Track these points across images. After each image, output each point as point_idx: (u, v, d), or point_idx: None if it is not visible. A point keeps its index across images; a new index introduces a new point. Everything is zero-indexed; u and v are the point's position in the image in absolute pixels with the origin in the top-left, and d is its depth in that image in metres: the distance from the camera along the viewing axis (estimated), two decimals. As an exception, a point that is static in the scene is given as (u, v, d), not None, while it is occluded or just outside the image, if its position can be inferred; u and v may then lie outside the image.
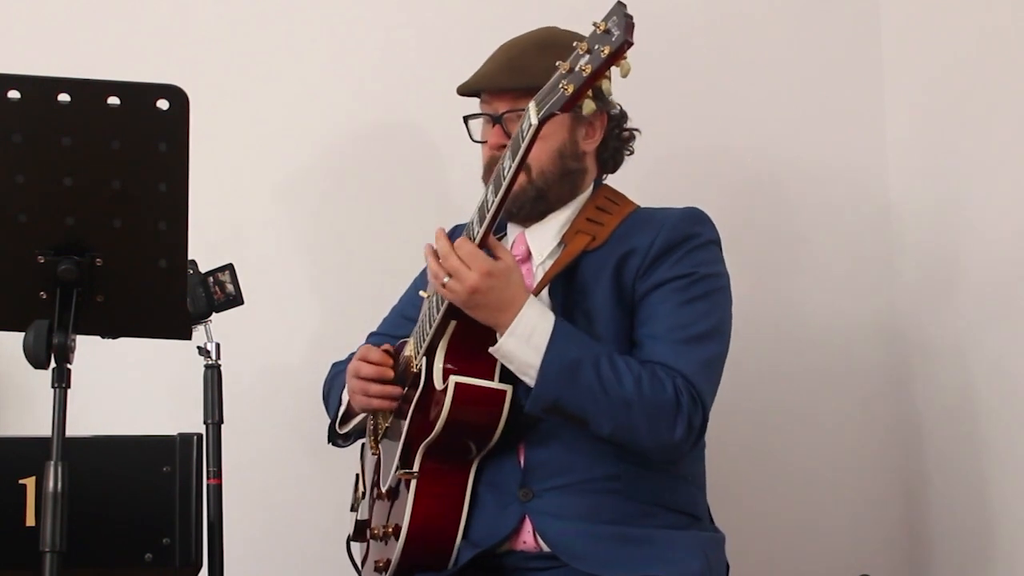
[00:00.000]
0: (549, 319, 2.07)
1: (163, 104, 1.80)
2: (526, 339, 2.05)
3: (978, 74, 2.63)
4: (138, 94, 1.80)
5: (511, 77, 2.23)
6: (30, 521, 2.07)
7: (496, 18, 2.90)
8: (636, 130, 2.34)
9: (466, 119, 2.32)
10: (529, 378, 2.06)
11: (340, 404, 2.40)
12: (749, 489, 2.86)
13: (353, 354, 2.51)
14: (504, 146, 2.18)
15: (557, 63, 1.91)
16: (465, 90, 2.30)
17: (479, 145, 2.32)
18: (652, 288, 2.16)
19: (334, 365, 2.54)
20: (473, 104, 2.32)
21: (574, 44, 1.89)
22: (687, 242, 2.18)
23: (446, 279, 2.04)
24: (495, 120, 2.26)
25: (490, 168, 2.23)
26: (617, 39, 1.83)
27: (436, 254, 2.08)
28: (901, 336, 2.94)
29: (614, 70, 1.87)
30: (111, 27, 2.89)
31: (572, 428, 2.11)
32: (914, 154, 2.91)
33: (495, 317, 2.06)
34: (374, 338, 2.53)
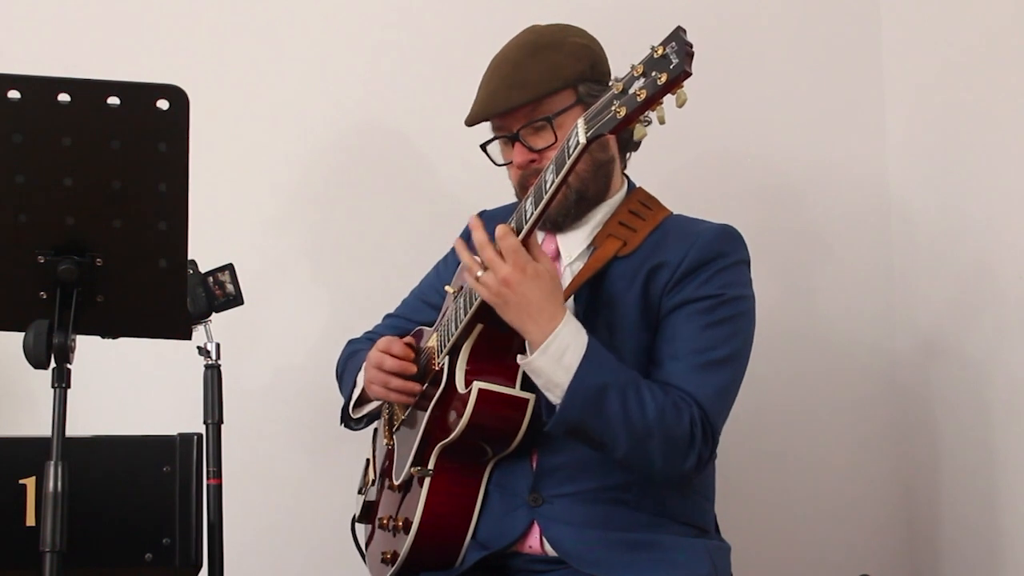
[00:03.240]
0: (582, 340, 2.03)
1: (163, 104, 1.80)
2: (558, 359, 2.01)
3: (978, 74, 2.63)
4: (138, 94, 1.80)
5: (516, 94, 2.18)
6: (30, 521, 2.07)
7: (495, 18, 2.91)
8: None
9: (483, 146, 2.27)
10: (554, 396, 2.03)
11: (355, 386, 2.39)
12: (749, 489, 2.86)
13: (369, 334, 2.52)
14: (533, 161, 2.18)
15: (610, 83, 1.89)
16: (474, 120, 2.24)
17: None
18: (678, 306, 2.14)
19: (350, 343, 2.53)
20: (476, 130, 2.28)
21: (631, 66, 1.85)
22: (717, 261, 2.15)
23: (480, 272, 2.00)
24: (512, 139, 2.21)
25: (523, 186, 2.21)
26: (675, 68, 1.80)
27: (466, 248, 2.05)
28: (901, 337, 2.94)
29: (669, 98, 1.83)
30: (111, 27, 2.89)
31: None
32: (914, 154, 2.91)
33: (523, 321, 2.01)
34: (391, 319, 2.53)
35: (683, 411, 2.05)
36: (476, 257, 2.04)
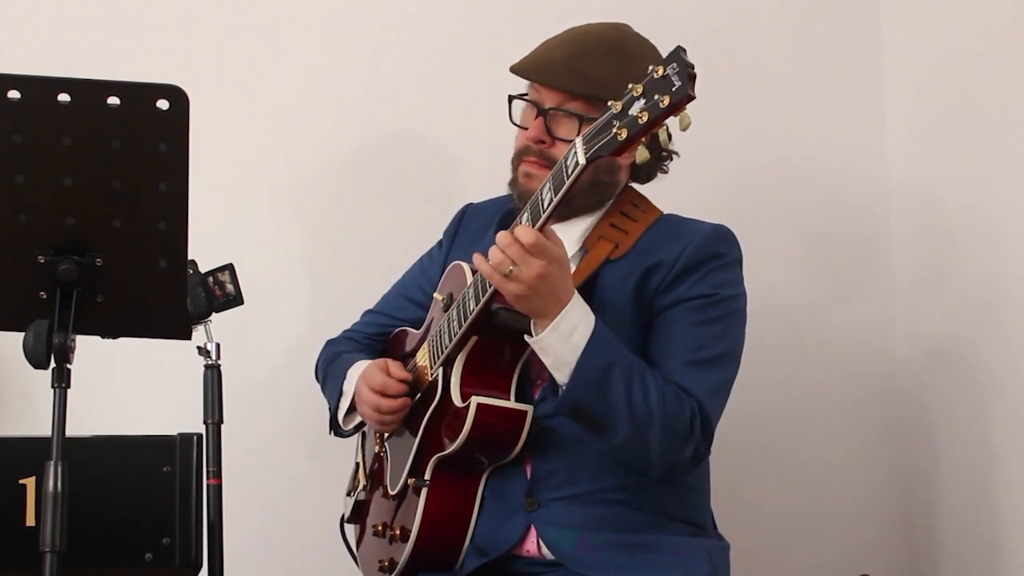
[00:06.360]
0: (590, 319, 2.03)
1: (163, 104, 1.80)
2: (567, 337, 2.00)
3: (978, 74, 2.63)
4: (138, 94, 1.80)
5: (572, 79, 2.13)
6: (30, 521, 2.07)
7: (495, 18, 2.91)
8: (675, 152, 2.27)
9: (511, 99, 2.23)
10: (562, 375, 2.03)
11: (341, 395, 2.37)
12: (749, 489, 2.86)
13: (348, 332, 2.50)
14: (543, 143, 2.16)
15: (609, 102, 1.83)
16: (520, 72, 2.19)
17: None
18: (671, 305, 2.13)
19: (328, 344, 2.51)
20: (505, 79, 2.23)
21: (629, 86, 1.80)
22: (711, 261, 2.14)
23: (511, 267, 1.95)
24: (540, 111, 2.17)
25: (520, 156, 2.19)
26: (678, 91, 1.75)
27: (485, 259, 1.99)
28: (901, 339, 2.94)
29: (672, 120, 1.79)
30: (111, 27, 2.89)
31: (579, 438, 2.10)
32: (915, 154, 2.91)
33: (547, 306, 1.99)
34: (371, 316, 2.52)
35: (684, 402, 2.06)
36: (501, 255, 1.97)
